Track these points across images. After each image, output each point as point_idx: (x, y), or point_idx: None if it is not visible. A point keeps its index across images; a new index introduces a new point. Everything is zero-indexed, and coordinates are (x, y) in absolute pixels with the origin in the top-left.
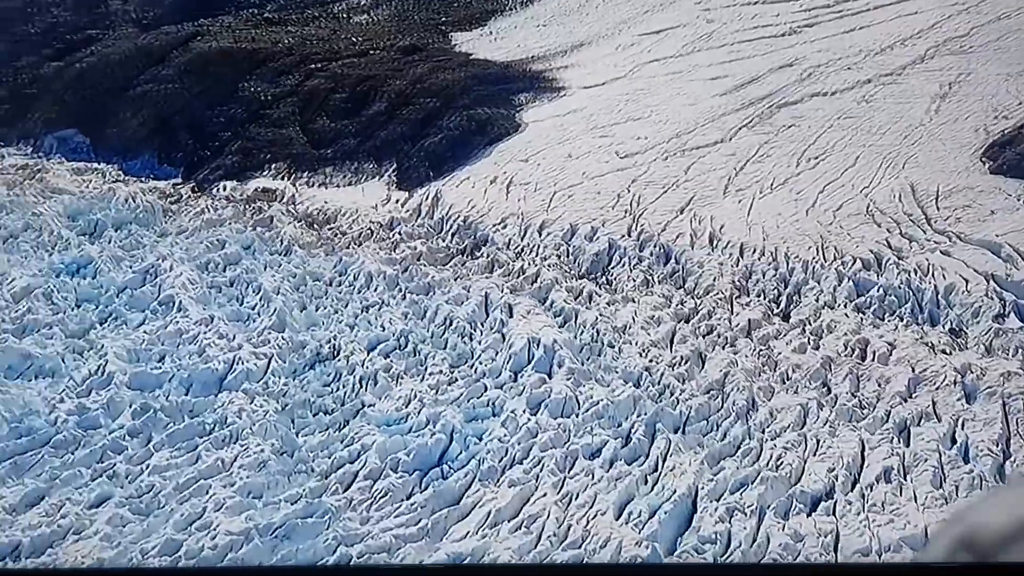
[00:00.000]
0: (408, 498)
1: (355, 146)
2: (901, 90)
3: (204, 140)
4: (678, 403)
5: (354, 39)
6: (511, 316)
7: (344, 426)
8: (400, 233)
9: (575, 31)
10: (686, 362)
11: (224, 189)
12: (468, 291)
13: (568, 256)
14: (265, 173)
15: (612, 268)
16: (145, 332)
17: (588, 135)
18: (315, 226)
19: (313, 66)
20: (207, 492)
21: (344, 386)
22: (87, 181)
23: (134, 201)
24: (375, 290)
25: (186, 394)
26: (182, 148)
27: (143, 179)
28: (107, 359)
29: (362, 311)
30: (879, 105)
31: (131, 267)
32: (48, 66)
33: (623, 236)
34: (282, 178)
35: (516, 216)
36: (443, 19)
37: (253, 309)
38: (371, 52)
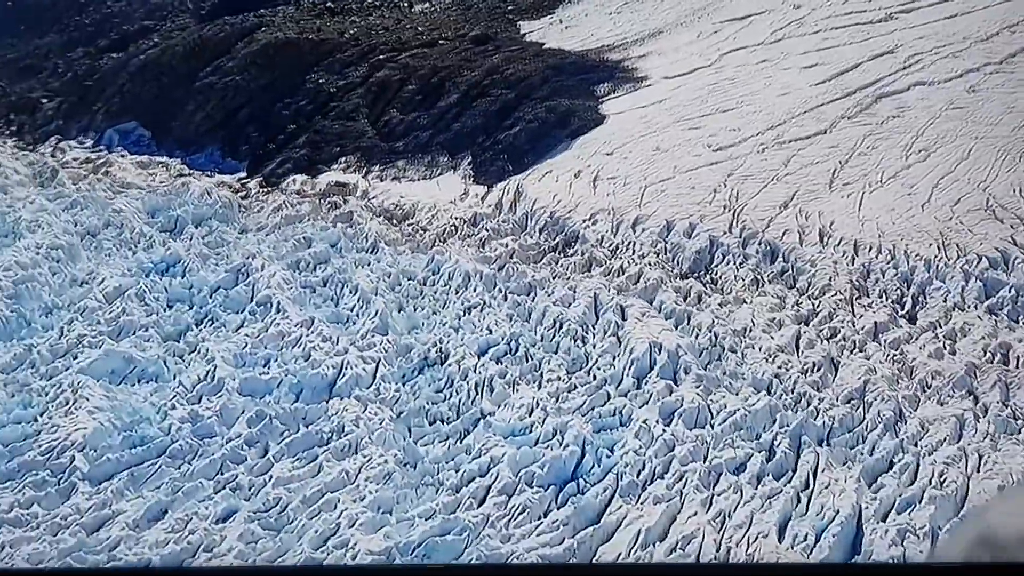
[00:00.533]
0: (546, 515)
1: (428, 139)
2: (1011, 79)
3: (270, 133)
4: (818, 413)
5: (420, 28)
6: (623, 318)
7: (465, 436)
8: (486, 229)
9: (650, 19)
10: (818, 369)
11: (295, 183)
12: (574, 292)
13: (667, 254)
14: (335, 167)
15: (716, 267)
16: (247, 335)
17: (676, 127)
18: (393, 221)
19: (381, 56)
20: (336, 507)
21: (458, 392)
22: (152, 175)
23: (210, 196)
24: (474, 290)
25: (296, 400)
26: (247, 141)
27: (209, 173)
28: (215, 364)
29: (464, 312)
30: (988, 94)
31: (218, 265)
32: (107, 58)
33: (724, 233)
34: (353, 172)
35: (606, 211)
36: (509, 7)
37: (352, 311)
38: (440, 42)
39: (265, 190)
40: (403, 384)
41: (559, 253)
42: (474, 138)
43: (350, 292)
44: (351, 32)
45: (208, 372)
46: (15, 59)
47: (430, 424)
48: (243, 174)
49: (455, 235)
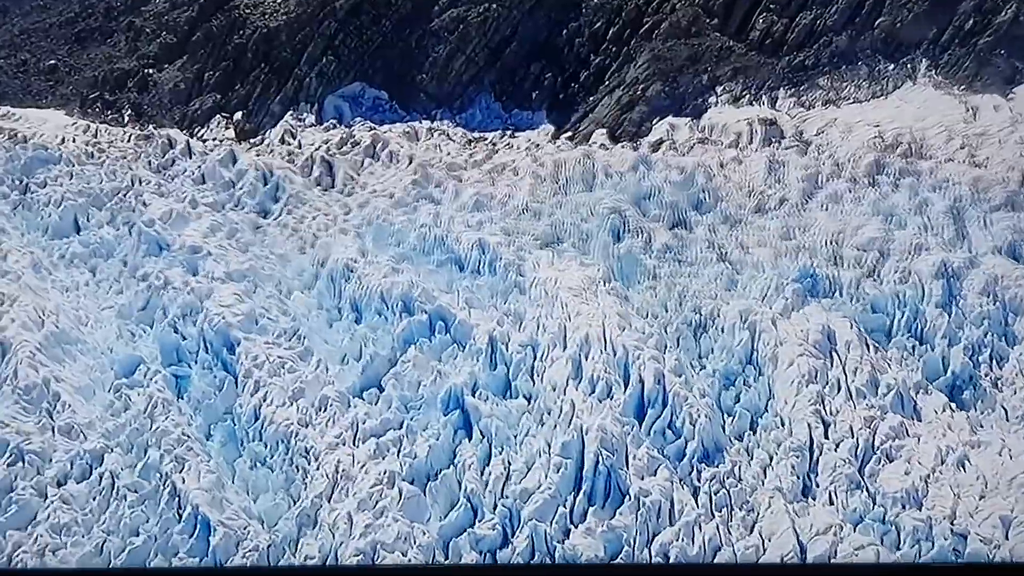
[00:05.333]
0: None
1: (846, 44)
2: None
3: (566, 70)
4: None
5: None
6: None
7: None
8: None
9: None
10: None
11: (673, 130)
12: None
13: None
14: (715, 100)
15: None
16: None
17: None
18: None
19: None
20: None
21: None
22: (436, 146)
23: (650, 167)
24: None
25: None
26: (537, 85)
27: (511, 133)
28: None
29: None
30: None
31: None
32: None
33: None
34: (747, 103)
35: None
36: None
37: None
38: None
39: (633, 144)
40: None
41: None
42: (920, 35)
43: None
44: None
45: None
46: (63, 23)
47: None
48: (547, 127)
49: None
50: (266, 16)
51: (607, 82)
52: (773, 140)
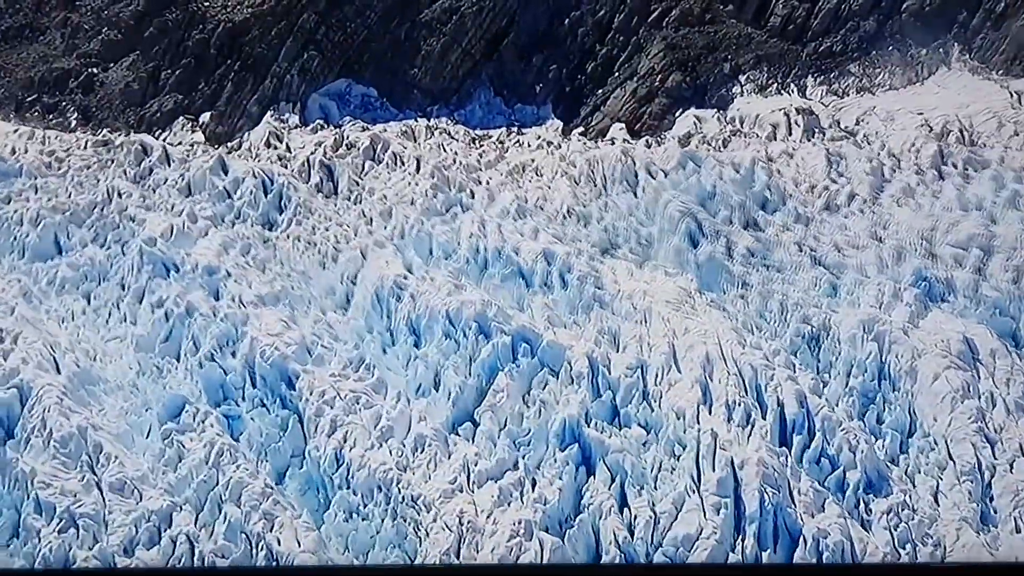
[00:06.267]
0: None
1: (874, 29)
2: None
3: (569, 60)
4: None
5: None
6: None
7: None
8: None
9: None
10: None
11: (701, 123)
12: None
13: None
14: (739, 90)
15: None
16: None
17: None
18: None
19: None
20: None
21: None
22: (439, 145)
23: (696, 164)
24: None
25: None
26: (538, 78)
27: (518, 130)
28: None
29: None
30: None
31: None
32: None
33: None
34: (778, 91)
35: None
36: None
37: None
38: None
39: (657, 139)
40: None
41: None
42: (950, 18)
43: None
44: None
45: None
46: None
47: None
48: (555, 122)
49: None
50: (228, 9)
51: (617, 73)
52: (815, 131)
